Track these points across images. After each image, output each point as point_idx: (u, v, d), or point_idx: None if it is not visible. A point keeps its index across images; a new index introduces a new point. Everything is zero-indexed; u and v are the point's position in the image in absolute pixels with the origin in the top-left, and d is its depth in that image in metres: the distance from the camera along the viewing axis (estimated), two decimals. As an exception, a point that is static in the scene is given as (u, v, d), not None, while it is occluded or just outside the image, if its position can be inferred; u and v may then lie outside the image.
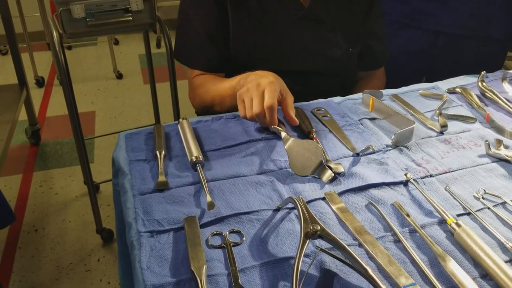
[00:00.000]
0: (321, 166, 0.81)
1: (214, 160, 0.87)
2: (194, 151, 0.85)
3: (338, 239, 0.62)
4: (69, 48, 3.69)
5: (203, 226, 0.71)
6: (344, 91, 1.31)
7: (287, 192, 0.77)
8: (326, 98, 1.11)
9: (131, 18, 1.53)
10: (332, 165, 0.83)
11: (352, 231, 0.68)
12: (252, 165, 0.85)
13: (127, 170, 0.84)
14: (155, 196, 0.77)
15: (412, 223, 0.69)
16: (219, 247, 0.67)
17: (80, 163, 1.72)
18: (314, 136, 0.92)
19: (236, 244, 0.67)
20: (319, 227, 0.63)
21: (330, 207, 0.74)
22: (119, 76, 3.22)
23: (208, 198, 0.74)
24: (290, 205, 0.74)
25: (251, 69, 1.03)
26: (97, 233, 1.86)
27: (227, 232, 0.69)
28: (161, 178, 0.81)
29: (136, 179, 0.81)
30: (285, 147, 0.84)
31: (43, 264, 1.76)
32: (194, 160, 0.83)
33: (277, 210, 0.74)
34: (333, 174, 0.80)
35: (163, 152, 0.87)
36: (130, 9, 1.51)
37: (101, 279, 1.70)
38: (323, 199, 0.76)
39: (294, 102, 1.07)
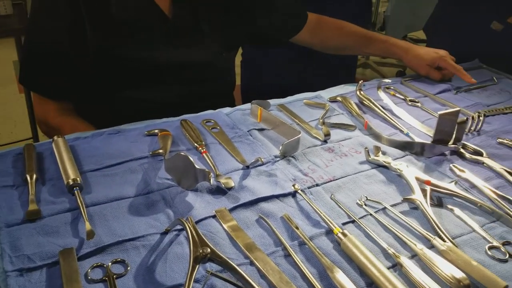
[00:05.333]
0: (199, 171, 0.76)
1: (95, 182, 0.80)
2: (71, 173, 0.78)
3: (229, 261, 0.60)
4: None
5: (81, 258, 0.64)
6: (229, 97, 1.31)
7: (176, 212, 0.73)
8: (210, 103, 1.09)
9: (-4, 23, 1.38)
10: (222, 180, 0.81)
11: (243, 249, 0.67)
12: (138, 185, 0.79)
13: (-10, 199, 0.73)
14: (25, 227, 0.68)
15: (301, 235, 0.69)
16: (100, 281, 0.60)
17: None
18: (203, 150, 0.90)
19: (119, 276, 0.61)
20: (209, 250, 0.60)
21: (221, 225, 0.72)
22: (-11, 85, 2.90)
23: (87, 226, 0.67)
24: (180, 226, 0.70)
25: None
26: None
27: (110, 263, 0.63)
28: (32, 206, 0.72)
29: (2, 209, 0.72)
30: (165, 169, 0.81)
31: None
32: (71, 183, 0.75)
33: (166, 233, 0.69)
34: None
35: (34, 176, 0.78)
36: (-5, 13, 1.35)
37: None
38: (214, 216, 0.73)
39: (179, 115, 1.03)
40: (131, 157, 0.87)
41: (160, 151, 0.86)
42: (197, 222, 0.71)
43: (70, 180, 0.76)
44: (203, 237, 0.63)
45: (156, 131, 0.94)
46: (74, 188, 0.75)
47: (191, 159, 0.76)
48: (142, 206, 0.75)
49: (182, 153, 0.77)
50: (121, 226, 0.70)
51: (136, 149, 0.89)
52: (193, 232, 0.63)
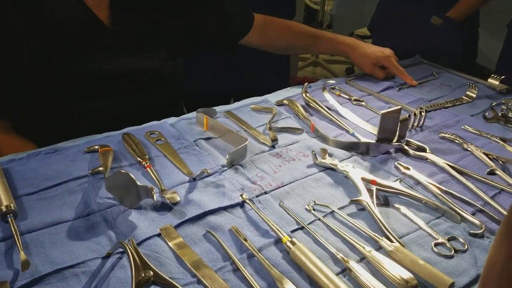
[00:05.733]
0: (141, 188, 0.74)
1: (30, 206, 0.75)
2: (4, 199, 0.73)
3: (173, 282, 0.58)
4: None
5: (16, 292, 0.60)
6: (177, 106, 1.28)
7: (118, 234, 0.70)
8: (158, 114, 1.06)
9: None
10: (167, 195, 0.78)
11: (190, 267, 0.64)
12: (77, 207, 0.76)
13: None
14: (-49, 263, 0.63)
15: (249, 247, 0.68)
16: (37, 315, 0.57)
17: None
18: (147, 164, 0.87)
19: (58, 308, 0.58)
20: (151, 273, 0.58)
21: (166, 243, 0.69)
22: None
23: (22, 256, 0.62)
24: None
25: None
26: None
27: (47, 295, 0.59)
28: (-40, 239, 0.67)
29: None
30: (106, 188, 0.77)
31: None
32: (4, 210, 0.70)
33: (107, 256, 0.66)
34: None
35: (-38, 205, 0.72)
36: None
37: None
38: (159, 235, 0.71)
39: (125, 127, 1.00)
40: (69, 177, 0.82)
41: (100, 168, 0.82)
42: (141, 242, 0.68)
43: (2, 207, 0.71)
44: (145, 259, 0.60)
45: (96, 147, 0.90)
46: (8, 216, 0.70)
47: (132, 176, 0.73)
48: (82, 229, 0.71)
49: (123, 171, 0.74)
50: (60, 253, 0.66)
51: (75, 168, 0.85)
52: (135, 255, 0.60)
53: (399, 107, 0.93)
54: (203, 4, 1.21)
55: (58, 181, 0.81)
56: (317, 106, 1.11)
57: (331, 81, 1.22)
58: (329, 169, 0.88)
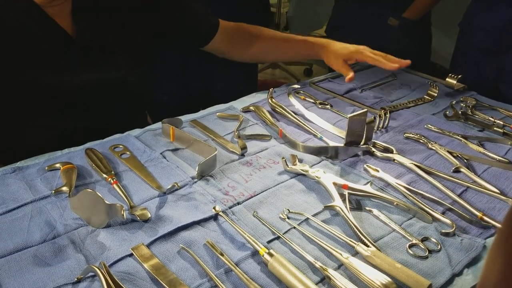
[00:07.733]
0: (109, 206, 0.71)
1: (-10, 233, 0.71)
2: (-40, 228, 0.68)
3: (151, 306, 0.55)
4: None
5: (-21, 328, 0.56)
6: (141, 115, 1.25)
7: (88, 256, 0.67)
8: (123, 126, 1.03)
9: None
10: (137, 212, 0.75)
11: (167, 287, 0.62)
12: (42, 230, 0.72)
13: None
14: None
15: (226, 262, 0.66)
16: None
17: None
18: (114, 180, 0.83)
19: None
20: (127, 298, 0.55)
21: (140, 263, 0.66)
22: None
23: (-16, 289, 0.59)
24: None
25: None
26: None
27: (14, 329, 0.56)
28: None
29: None
30: (71, 209, 0.74)
31: None
32: (-40, 240, 0.66)
33: (78, 282, 0.63)
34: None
35: None
36: None
37: None
38: (131, 255, 0.68)
39: (86, 142, 0.96)
40: (31, 199, 0.78)
41: (64, 188, 0.78)
42: (112, 264, 0.65)
43: (-42, 236, 0.66)
44: (119, 283, 0.58)
45: (58, 165, 0.86)
46: (-36, 245, 0.66)
47: (99, 194, 0.70)
48: (49, 254, 0.67)
49: (89, 189, 0.71)
50: (25, 282, 0.62)
51: (36, 189, 0.81)
52: (108, 279, 0.57)
53: (365, 109, 0.94)
54: (166, 12, 1.18)
55: (18, 203, 0.77)
56: (284, 111, 1.11)
57: (296, 86, 1.22)
58: (300, 175, 0.88)
